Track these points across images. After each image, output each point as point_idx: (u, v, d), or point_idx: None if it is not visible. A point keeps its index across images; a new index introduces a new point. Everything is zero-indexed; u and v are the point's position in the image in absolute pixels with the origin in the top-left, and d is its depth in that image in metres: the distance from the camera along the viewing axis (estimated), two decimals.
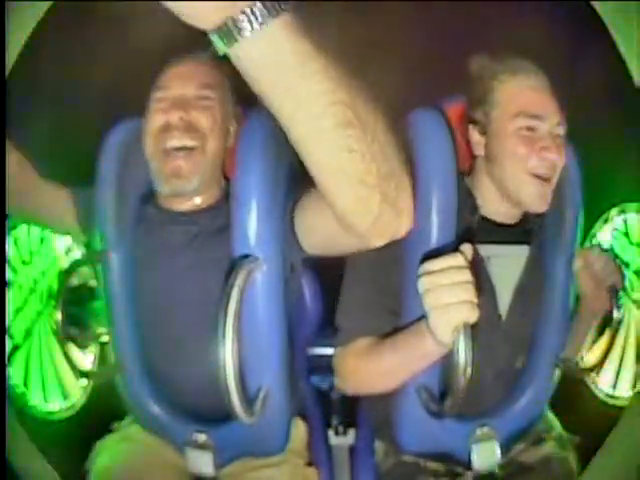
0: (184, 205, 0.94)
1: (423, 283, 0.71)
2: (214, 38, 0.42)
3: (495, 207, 0.95)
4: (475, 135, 0.94)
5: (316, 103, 0.44)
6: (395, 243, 0.89)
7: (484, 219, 0.95)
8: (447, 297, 0.69)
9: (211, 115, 0.89)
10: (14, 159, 0.92)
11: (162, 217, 0.95)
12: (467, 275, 0.70)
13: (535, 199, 0.89)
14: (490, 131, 0.92)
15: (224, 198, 0.95)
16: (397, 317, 0.89)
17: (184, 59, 0.93)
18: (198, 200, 0.94)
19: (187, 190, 0.89)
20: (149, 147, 0.89)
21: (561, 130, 0.90)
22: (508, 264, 0.96)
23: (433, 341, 0.74)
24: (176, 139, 0.86)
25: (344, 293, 0.96)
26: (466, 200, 0.92)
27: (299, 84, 0.43)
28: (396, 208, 0.56)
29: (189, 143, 0.87)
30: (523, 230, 0.98)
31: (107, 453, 0.98)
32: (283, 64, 0.42)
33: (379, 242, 0.64)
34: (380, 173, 0.51)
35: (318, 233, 0.81)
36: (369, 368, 0.89)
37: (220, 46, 0.42)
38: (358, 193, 0.52)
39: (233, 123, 0.95)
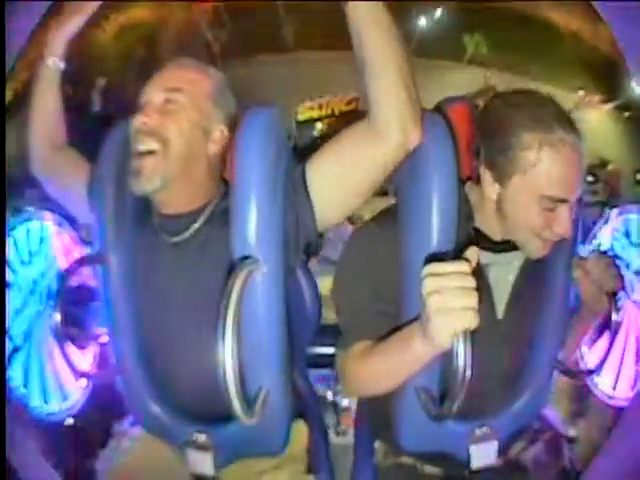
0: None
1: (428, 284, 0.70)
2: None
3: (488, 225, 0.94)
4: (488, 178, 0.89)
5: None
6: (392, 244, 0.90)
7: (477, 230, 0.94)
8: (452, 301, 0.68)
9: (176, 119, 0.90)
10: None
11: (159, 218, 0.95)
12: (472, 282, 0.69)
13: (539, 254, 0.91)
14: (507, 189, 0.88)
15: (219, 198, 0.95)
16: (396, 320, 0.89)
17: (167, 65, 0.95)
18: (190, 203, 0.94)
19: (148, 189, 0.90)
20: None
21: (576, 201, 0.87)
22: (505, 270, 0.96)
23: (422, 344, 0.73)
24: (141, 143, 0.89)
25: (343, 294, 0.96)
26: (463, 207, 0.90)
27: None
28: (418, 118, 0.82)
29: (152, 146, 0.89)
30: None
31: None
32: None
33: (403, 148, 0.82)
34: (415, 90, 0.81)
35: (336, 178, 0.87)
36: (365, 371, 0.90)
37: None
38: (408, 94, 0.79)
39: (220, 127, 0.94)
